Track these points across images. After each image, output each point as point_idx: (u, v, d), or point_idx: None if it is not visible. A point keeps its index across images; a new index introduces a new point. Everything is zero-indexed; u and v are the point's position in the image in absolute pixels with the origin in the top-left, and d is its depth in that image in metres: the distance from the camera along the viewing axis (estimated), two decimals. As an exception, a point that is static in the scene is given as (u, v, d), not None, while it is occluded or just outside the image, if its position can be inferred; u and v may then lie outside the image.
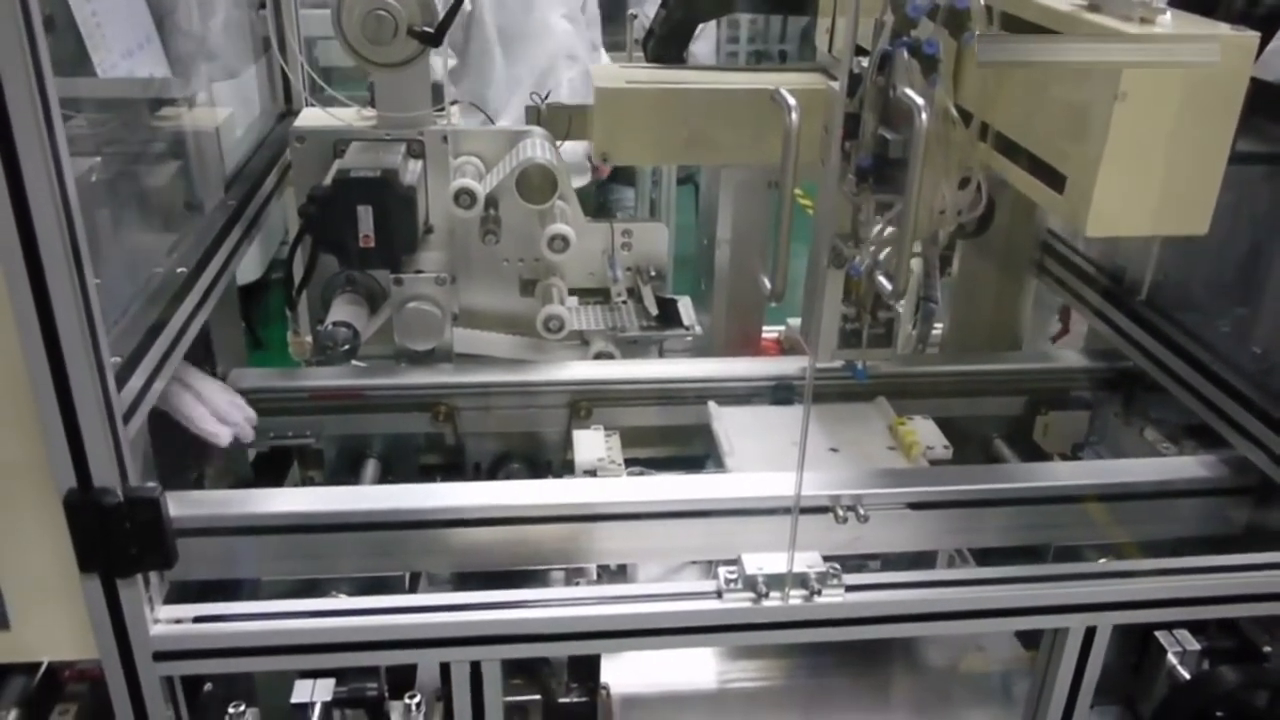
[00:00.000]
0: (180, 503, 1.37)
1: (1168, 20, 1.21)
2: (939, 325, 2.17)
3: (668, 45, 2.19)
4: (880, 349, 1.79)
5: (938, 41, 1.41)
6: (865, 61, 1.51)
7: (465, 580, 1.61)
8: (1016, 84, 1.40)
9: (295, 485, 1.89)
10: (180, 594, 1.38)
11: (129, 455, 1.20)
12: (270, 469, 1.89)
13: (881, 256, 1.62)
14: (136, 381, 1.28)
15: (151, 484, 1.22)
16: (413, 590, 1.62)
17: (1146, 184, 1.22)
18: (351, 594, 1.53)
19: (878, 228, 1.56)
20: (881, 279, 1.52)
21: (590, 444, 1.77)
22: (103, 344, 1.15)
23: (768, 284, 1.47)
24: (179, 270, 1.51)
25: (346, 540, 1.49)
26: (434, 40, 1.75)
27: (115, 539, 1.20)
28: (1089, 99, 1.23)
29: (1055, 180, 1.32)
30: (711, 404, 1.86)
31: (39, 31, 1.01)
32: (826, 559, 1.40)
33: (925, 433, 1.77)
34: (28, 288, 1.09)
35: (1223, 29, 1.21)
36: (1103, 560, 1.64)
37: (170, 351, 1.41)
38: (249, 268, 3.98)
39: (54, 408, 1.14)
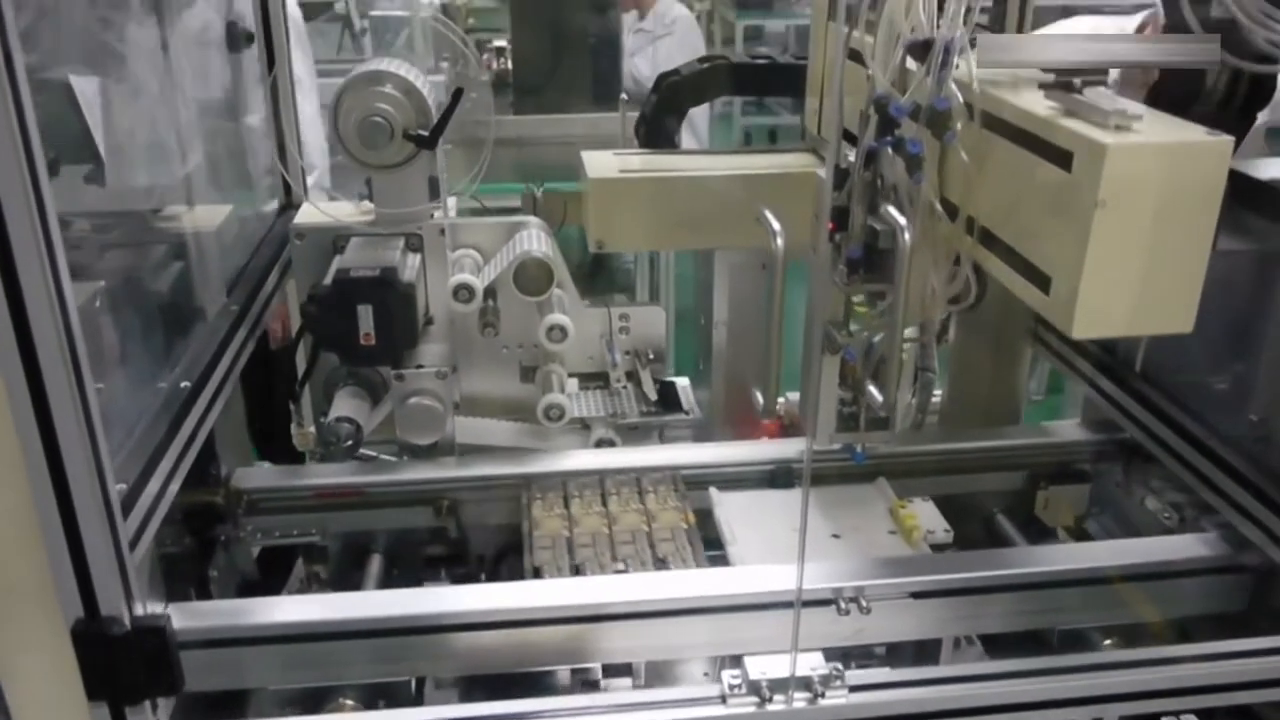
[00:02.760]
0: (185, 614, 1.38)
1: (1144, 125, 1.23)
2: (938, 393, 2.17)
3: (659, 131, 2.24)
4: (879, 431, 1.80)
5: (921, 141, 1.44)
6: (852, 155, 1.53)
7: (471, 682, 1.62)
8: (1000, 183, 1.42)
9: (300, 580, 1.90)
10: (188, 703, 1.38)
11: (135, 581, 1.22)
12: (275, 565, 1.90)
13: (876, 340, 1.64)
14: (142, 506, 1.29)
15: (158, 611, 1.23)
16: (419, 693, 1.62)
17: (1130, 286, 1.24)
18: (359, 699, 1.53)
19: (867, 322, 1.58)
20: (871, 389, 1.53)
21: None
22: (108, 474, 1.17)
23: (760, 399, 1.48)
24: (183, 385, 1.53)
25: (352, 647, 1.49)
26: (429, 143, 1.79)
27: (123, 668, 1.21)
28: (1069, 204, 1.25)
29: (1041, 280, 1.33)
30: (712, 490, 1.87)
31: (38, 155, 1.03)
32: (830, 653, 1.40)
33: (926, 516, 1.78)
34: (33, 421, 1.11)
35: (1198, 132, 1.24)
36: (1108, 642, 1.64)
37: (175, 470, 1.42)
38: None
39: (60, 540, 1.16)
